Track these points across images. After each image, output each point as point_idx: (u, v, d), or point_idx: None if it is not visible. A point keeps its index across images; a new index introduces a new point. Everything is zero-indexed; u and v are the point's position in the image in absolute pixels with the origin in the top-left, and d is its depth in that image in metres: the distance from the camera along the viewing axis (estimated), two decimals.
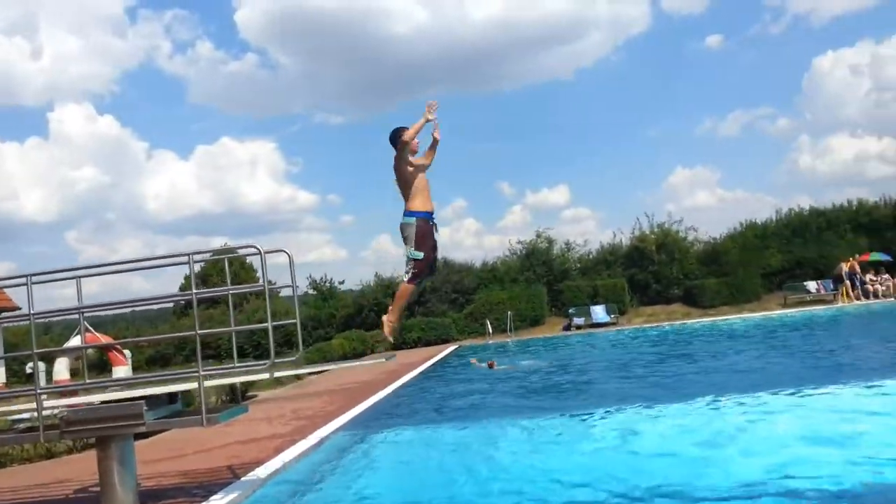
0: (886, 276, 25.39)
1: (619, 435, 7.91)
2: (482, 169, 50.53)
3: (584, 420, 9.07)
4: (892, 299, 24.21)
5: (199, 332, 5.68)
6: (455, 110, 52.23)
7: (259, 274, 6.08)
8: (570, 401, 11.16)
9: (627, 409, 9.31)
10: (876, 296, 24.73)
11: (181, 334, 22.96)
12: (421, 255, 6.25)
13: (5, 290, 16.02)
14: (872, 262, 25.76)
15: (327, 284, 32.09)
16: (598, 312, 26.16)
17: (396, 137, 6.33)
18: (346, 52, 45.03)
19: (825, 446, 6.62)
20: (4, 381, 20.30)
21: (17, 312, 18.11)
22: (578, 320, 25.88)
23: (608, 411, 9.31)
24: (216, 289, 8.51)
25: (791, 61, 49.47)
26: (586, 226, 49.80)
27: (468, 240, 44.93)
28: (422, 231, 6.29)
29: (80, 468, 8.09)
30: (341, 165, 54.17)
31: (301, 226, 53.16)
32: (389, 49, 45.64)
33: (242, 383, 13.99)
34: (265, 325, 5.31)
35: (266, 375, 6.14)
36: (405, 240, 6.34)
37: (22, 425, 6.76)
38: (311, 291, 32.04)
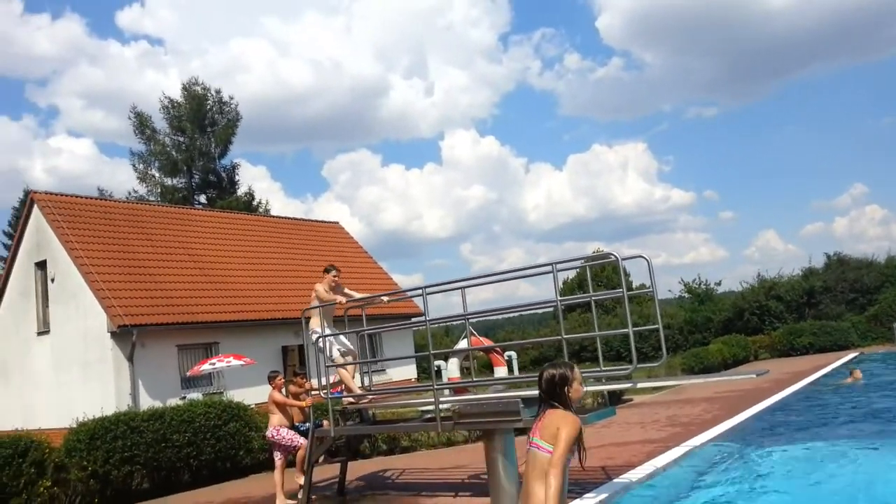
0: None
1: None
2: (886, 146, 43.41)
3: None
4: None
5: (564, 336, 6.06)
6: (844, 84, 46.02)
7: (632, 278, 6.17)
8: None
9: None
10: None
11: (546, 339, 24.09)
12: None
13: (413, 299, 18.70)
14: None
15: (702, 287, 30.86)
16: None
17: None
18: (714, 36, 42.78)
19: None
20: (416, 377, 23.77)
21: (417, 319, 21.06)
22: None
23: None
24: (579, 295, 8.88)
25: None
26: None
27: (871, 230, 38.93)
28: None
29: (474, 456, 9.10)
30: (717, 159, 51.48)
31: (676, 225, 51.78)
32: (763, 27, 42.06)
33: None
34: (626, 330, 5.40)
35: (629, 384, 6.20)
36: None
37: (427, 416, 7.88)
38: (685, 295, 31.13)
